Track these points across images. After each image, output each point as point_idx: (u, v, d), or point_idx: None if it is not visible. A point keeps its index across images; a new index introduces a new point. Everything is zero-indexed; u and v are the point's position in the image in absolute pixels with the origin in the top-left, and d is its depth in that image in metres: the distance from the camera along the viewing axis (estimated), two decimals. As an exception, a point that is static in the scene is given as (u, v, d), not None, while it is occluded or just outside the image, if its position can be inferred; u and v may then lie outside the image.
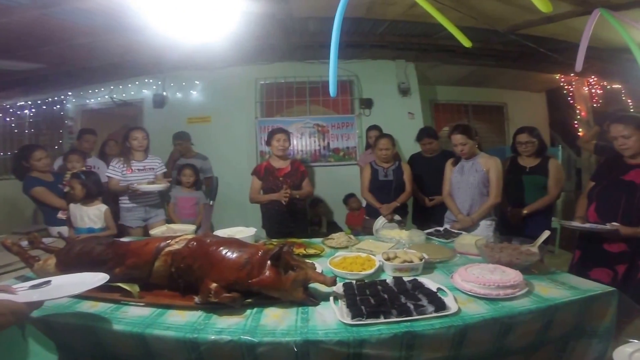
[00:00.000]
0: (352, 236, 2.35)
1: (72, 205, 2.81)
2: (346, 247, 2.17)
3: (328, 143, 4.88)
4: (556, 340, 1.43)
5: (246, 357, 1.14)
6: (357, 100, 5.03)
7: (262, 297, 1.36)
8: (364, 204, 3.69)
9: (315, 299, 1.39)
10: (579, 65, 2.54)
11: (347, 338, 1.14)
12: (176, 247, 1.45)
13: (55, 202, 3.01)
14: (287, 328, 1.20)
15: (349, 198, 4.41)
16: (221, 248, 1.40)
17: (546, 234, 1.83)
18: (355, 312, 1.24)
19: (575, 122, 6.26)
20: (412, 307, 1.29)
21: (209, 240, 1.46)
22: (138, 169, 3.28)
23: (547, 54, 4.37)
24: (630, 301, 1.59)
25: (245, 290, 1.34)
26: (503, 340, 1.29)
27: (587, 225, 2.10)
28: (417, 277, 1.59)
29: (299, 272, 1.35)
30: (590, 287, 1.52)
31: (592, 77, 5.94)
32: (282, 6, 3.57)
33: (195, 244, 1.45)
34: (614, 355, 1.11)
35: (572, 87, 6.23)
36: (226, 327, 1.21)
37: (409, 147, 4.38)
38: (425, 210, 3.50)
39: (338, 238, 2.29)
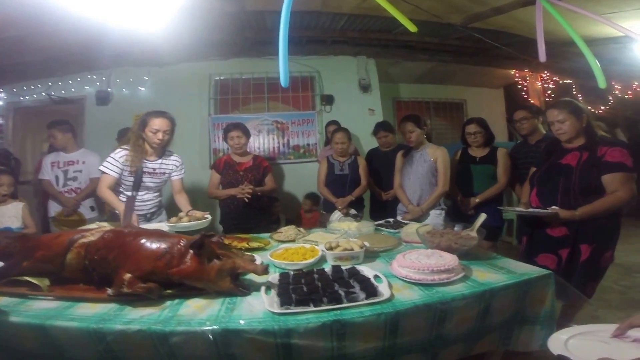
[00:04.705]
0: (301, 229, 2.29)
1: None
2: (294, 241, 2.11)
3: (288, 140, 4.80)
4: (499, 327, 1.41)
5: (160, 349, 1.07)
6: (318, 96, 4.99)
7: (187, 289, 1.29)
8: (321, 201, 3.63)
9: (246, 289, 1.33)
10: (542, 55, 2.52)
11: (271, 327, 1.09)
12: (91, 238, 1.38)
13: None
14: (207, 317, 1.14)
15: (303, 199, 4.31)
16: (139, 238, 1.34)
17: (483, 217, 1.83)
18: (284, 300, 1.20)
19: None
20: (343, 294, 1.24)
21: (127, 231, 1.39)
22: (148, 172, 2.46)
23: (501, 49, 4.47)
24: (568, 286, 1.59)
25: (165, 281, 1.27)
26: (440, 328, 1.25)
27: (529, 209, 2.11)
28: (356, 266, 1.55)
29: (226, 261, 1.29)
30: (526, 270, 1.51)
31: (545, 72, 6.12)
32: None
33: (111, 235, 1.38)
34: (548, 343, 1.02)
35: (526, 83, 6.40)
36: (138, 317, 1.14)
37: (369, 143, 4.35)
38: (382, 204, 3.48)
39: (286, 231, 2.23)
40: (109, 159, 2.38)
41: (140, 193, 2.44)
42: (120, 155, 2.37)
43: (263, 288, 1.32)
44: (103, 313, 1.17)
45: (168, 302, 1.25)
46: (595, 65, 2.30)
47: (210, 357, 1.08)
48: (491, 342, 1.42)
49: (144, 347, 1.08)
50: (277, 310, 1.16)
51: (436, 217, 2.67)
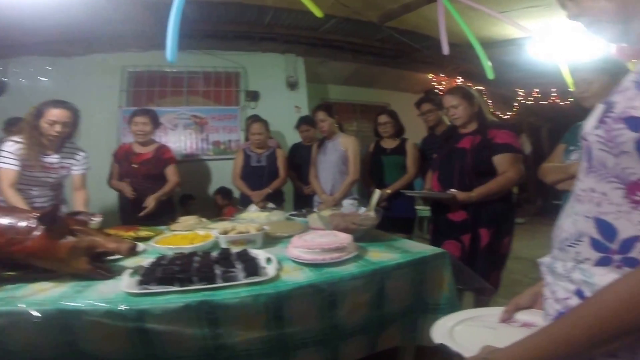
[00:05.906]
0: (204, 219, 2.15)
1: None
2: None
3: (207, 135, 4.59)
4: (400, 317, 1.35)
5: None
6: (242, 92, 4.85)
7: (37, 271, 1.12)
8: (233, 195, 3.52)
9: (109, 272, 1.17)
10: (445, 48, 2.64)
11: (117, 308, 0.94)
12: None
13: None
14: (43, 299, 0.97)
15: (214, 195, 4.16)
16: None
17: (377, 193, 1.85)
18: (144, 280, 1.05)
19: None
20: (219, 273, 1.12)
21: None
22: (44, 167, 2.21)
23: (417, 52, 4.66)
24: (467, 269, 1.57)
25: (9, 262, 1.10)
26: (333, 316, 1.16)
27: (427, 192, 2.18)
28: (251, 250, 1.43)
29: (82, 238, 1.13)
30: (420, 249, 1.49)
31: (459, 78, 6.41)
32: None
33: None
34: (431, 332, 0.87)
35: (442, 87, 6.74)
36: None
37: (294, 140, 4.30)
38: (305, 198, 3.43)
39: (185, 221, 2.08)
40: (1, 153, 2.09)
41: (34, 189, 2.23)
42: (14, 147, 2.09)
43: (129, 271, 1.17)
44: None
45: (9, 286, 1.07)
46: (483, 57, 2.48)
47: (47, 345, 0.92)
48: (396, 336, 1.35)
49: None
50: (133, 290, 1.02)
51: (349, 207, 2.66)
